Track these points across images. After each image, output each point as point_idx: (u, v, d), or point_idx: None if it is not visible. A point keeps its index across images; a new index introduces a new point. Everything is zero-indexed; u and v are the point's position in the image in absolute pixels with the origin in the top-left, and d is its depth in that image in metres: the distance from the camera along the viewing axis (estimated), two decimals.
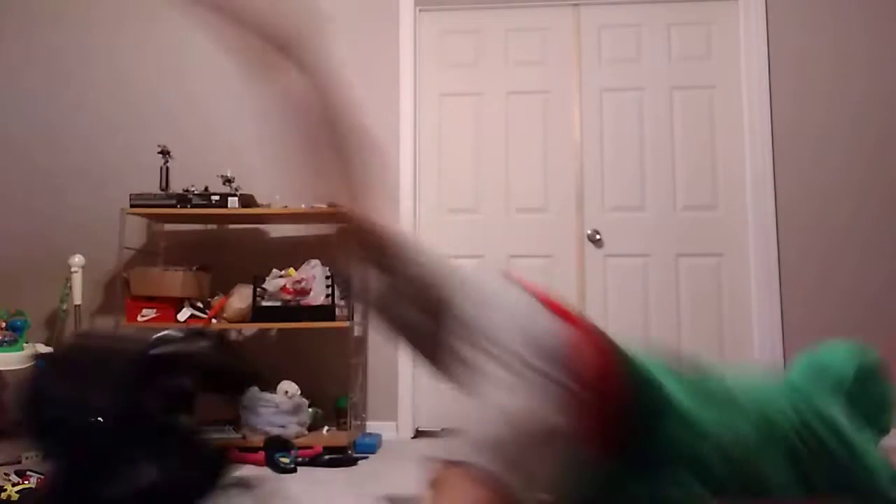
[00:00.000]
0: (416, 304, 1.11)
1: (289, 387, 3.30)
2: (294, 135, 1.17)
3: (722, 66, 3.70)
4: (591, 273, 3.66)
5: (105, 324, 3.76)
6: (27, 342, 3.44)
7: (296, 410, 3.25)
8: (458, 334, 0.91)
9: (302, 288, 3.27)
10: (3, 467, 2.81)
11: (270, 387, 3.32)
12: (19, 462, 2.97)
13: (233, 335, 3.71)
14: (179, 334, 1.40)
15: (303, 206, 3.54)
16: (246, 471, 2.87)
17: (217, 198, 3.34)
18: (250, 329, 3.67)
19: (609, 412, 0.87)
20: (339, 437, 3.26)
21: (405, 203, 3.69)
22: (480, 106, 3.80)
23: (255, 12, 1.20)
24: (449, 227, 3.75)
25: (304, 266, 3.38)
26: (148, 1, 3.91)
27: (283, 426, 3.19)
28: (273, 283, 3.28)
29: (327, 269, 3.36)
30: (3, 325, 3.37)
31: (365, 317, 3.64)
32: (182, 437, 1.28)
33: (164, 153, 3.49)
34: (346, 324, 3.30)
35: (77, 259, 3.53)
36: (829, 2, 3.62)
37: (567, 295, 3.66)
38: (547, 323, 0.88)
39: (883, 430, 1.45)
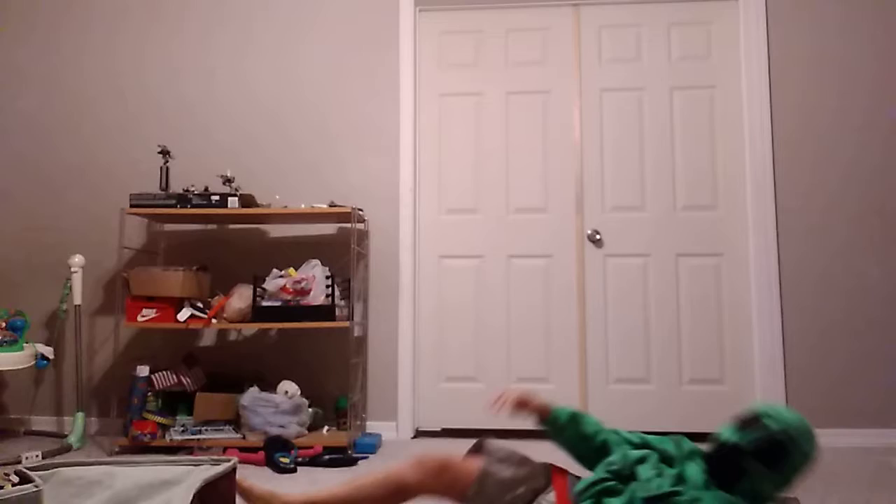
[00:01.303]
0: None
1: (289, 387, 3.30)
2: None
3: (722, 66, 3.70)
4: (591, 273, 3.66)
5: (105, 324, 3.76)
6: (27, 342, 3.45)
7: (296, 410, 3.25)
8: None
9: (302, 288, 3.27)
10: (3, 467, 2.81)
11: (270, 387, 3.33)
12: (19, 462, 2.98)
13: (233, 335, 3.72)
14: None
15: (303, 206, 3.54)
16: (246, 471, 2.87)
17: (217, 198, 3.34)
18: (250, 329, 3.67)
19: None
20: (339, 437, 3.26)
21: (405, 203, 3.69)
22: (480, 106, 3.81)
23: None
24: (449, 227, 3.75)
25: (304, 266, 3.38)
26: (148, 2, 3.91)
27: (283, 426, 3.19)
28: (273, 283, 3.28)
29: (327, 269, 3.37)
30: (3, 325, 3.38)
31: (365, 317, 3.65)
32: None
33: (164, 153, 3.49)
34: (346, 324, 3.30)
35: (77, 259, 3.54)
36: (829, 1, 3.62)
37: (567, 295, 3.66)
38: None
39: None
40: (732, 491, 1.62)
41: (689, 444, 1.81)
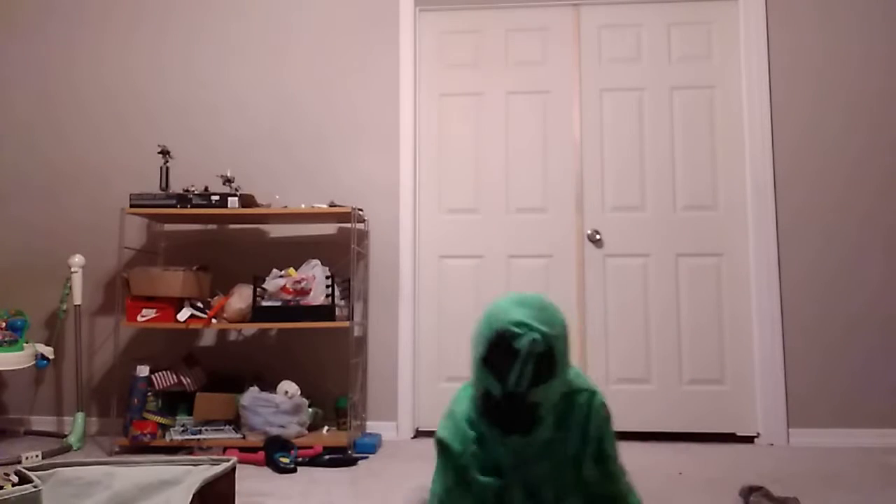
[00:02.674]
0: None
1: (289, 387, 3.30)
2: None
3: (722, 66, 3.70)
4: (591, 273, 3.66)
5: (105, 324, 3.76)
6: (27, 342, 3.45)
7: (296, 410, 3.25)
8: None
9: (302, 288, 3.27)
10: (2, 467, 2.81)
11: (270, 387, 3.33)
12: (19, 462, 2.98)
13: (233, 335, 3.72)
14: None
15: (303, 206, 3.54)
16: (246, 471, 2.87)
17: (217, 198, 3.34)
18: (250, 329, 3.67)
19: None
20: (339, 437, 3.26)
21: (405, 203, 3.69)
22: (480, 106, 3.80)
23: None
24: (449, 227, 3.75)
25: (304, 266, 3.38)
26: (151, 4, 3.91)
27: (283, 426, 3.19)
28: (273, 283, 3.28)
29: (327, 269, 3.37)
30: (3, 325, 3.38)
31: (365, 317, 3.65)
32: None
33: (164, 153, 3.49)
34: (346, 324, 3.30)
35: (77, 259, 3.54)
36: (829, 1, 3.62)
37: (567, 295, 3.66)
38: None
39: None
40: (537, 430, 1.42)
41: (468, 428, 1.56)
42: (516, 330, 1.36)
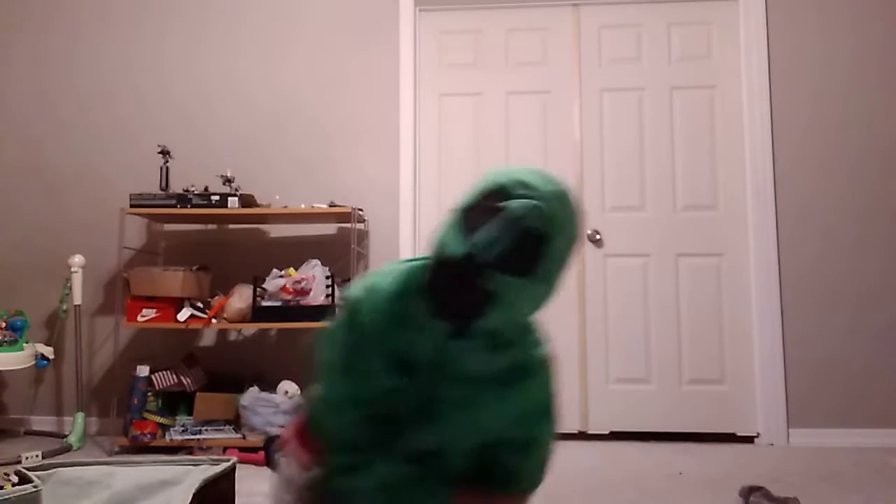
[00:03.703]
0: None
1: (289, 387, 3.30)
2: None
3: (722, 66, 3.70)
4: (591, 273, 3.66)
5: (105, 324, 3.76)
6: (27, 342, 3.45)
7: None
8: None
9: (302, 288, 3.27)
10: (2, 467, 2.81)
11: (270, 387, 3.33)
12: (19, 462, 2.98)
13: (233, 335, 3.72)
14: None
15: (302, 206, 3.54)
16: (246, 471, 2.87)
17: (217, 198, 3.34)
18: (250, 329, 3.67)
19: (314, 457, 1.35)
20: None
21: (405, 203, 3.69)
22: (480, 106, 3.80)
23: None
24: None
25: (304, 266, 3.38)
26: (152, 3, 3.91)
27: (283, 426, 3.18)
28: (273, 283, 3.28)
29: (327, 268, 3.37)
30: (3, 325, 3.38)
31: None
32: None
33: (164, 153, 3.49)
34: None
35: (77, 259, 3.54)
36: (828, 2, 3.62)
37: (567, 295, 3.66)
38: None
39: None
40: (473, 331, 1.10)
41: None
42: (516, 189, 1.03)
